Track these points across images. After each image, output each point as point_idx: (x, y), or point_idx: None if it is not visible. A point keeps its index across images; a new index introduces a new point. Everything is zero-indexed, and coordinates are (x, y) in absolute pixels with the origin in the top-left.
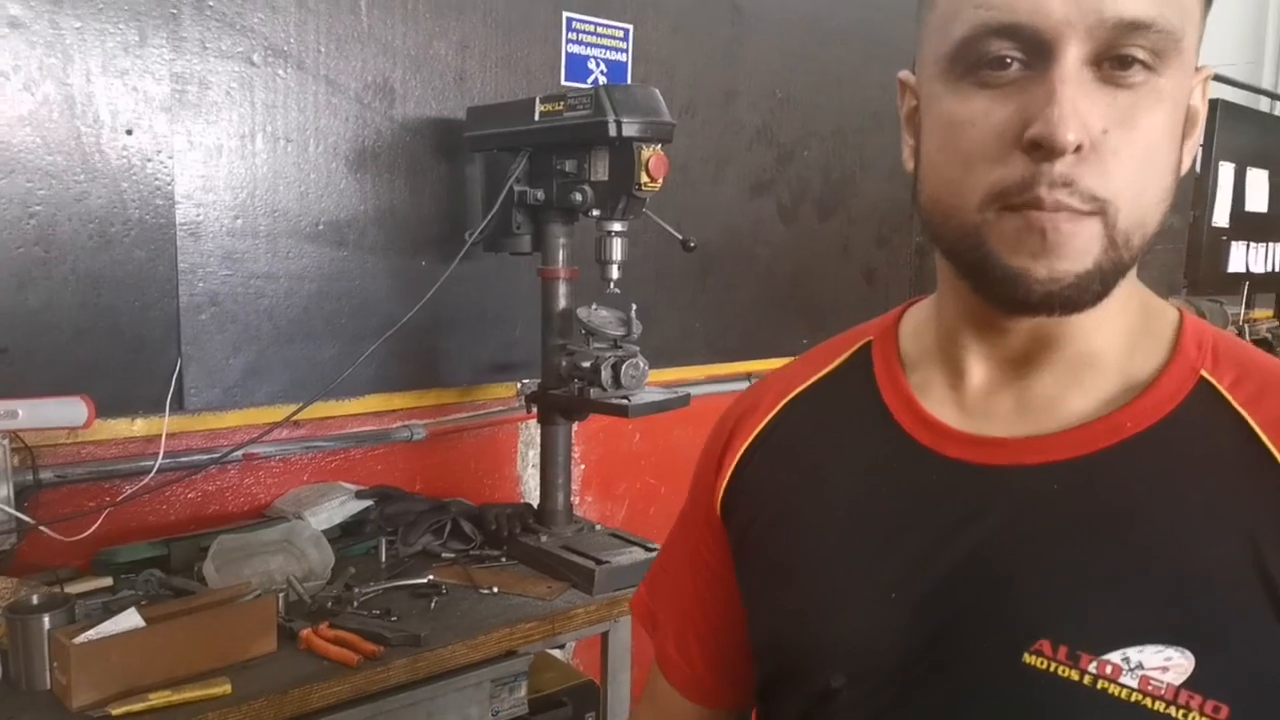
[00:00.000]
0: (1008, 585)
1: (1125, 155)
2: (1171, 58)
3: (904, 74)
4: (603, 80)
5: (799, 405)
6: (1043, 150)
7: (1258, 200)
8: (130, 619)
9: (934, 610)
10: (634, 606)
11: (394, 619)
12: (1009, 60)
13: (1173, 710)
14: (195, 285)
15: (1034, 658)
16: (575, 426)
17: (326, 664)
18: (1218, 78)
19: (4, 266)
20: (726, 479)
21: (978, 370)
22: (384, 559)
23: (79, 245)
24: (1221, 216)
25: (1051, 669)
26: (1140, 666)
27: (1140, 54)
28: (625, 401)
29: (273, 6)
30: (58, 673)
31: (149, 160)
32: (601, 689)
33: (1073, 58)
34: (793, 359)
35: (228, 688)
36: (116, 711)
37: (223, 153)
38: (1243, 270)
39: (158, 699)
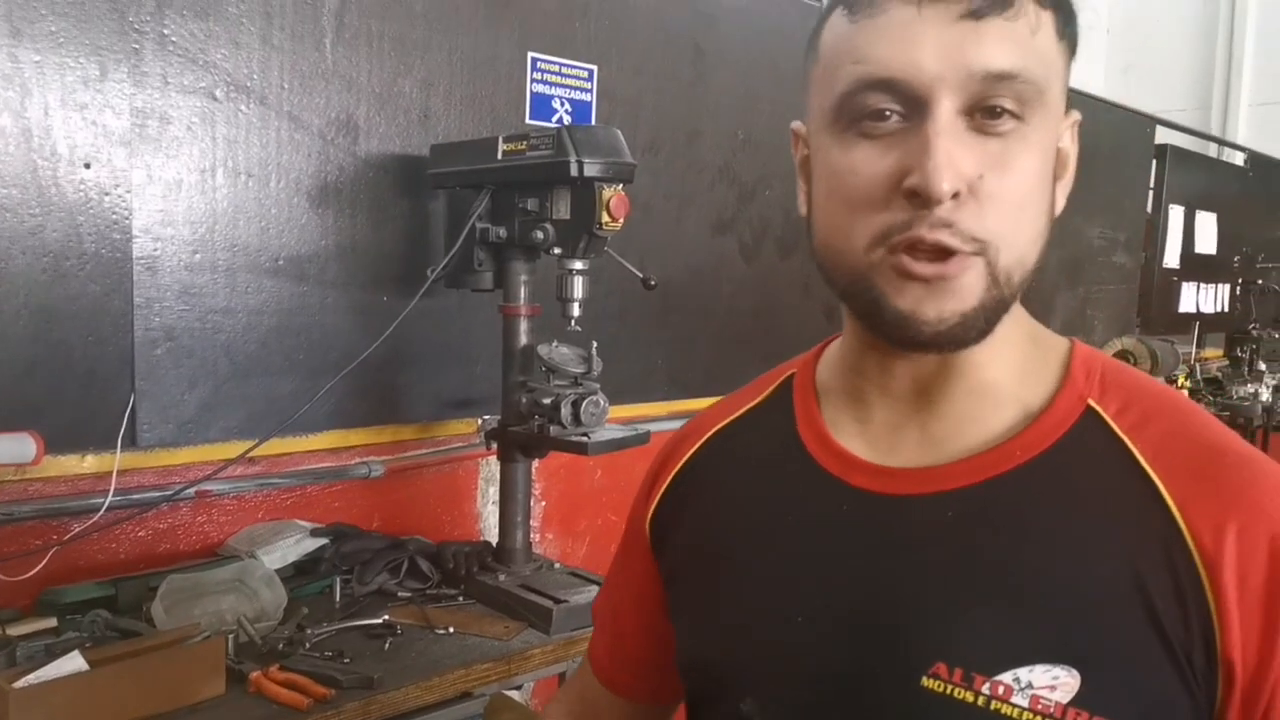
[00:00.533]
0: (906, 611)
1: (1000, 198)
2: (1037, 106)
3: (796, 124)
4: (567, 119)
5: (724, 437)
6: (920, 199)
7: (1206, 242)
8: (73, 662)
9: (838, 636)
10: (595, 607)
11: (347, 660)
12: (888, 113)
13: None
14: (151, 320)
15: (931, 680)
16: (536, 463)
17: (276, 707)
18: (1167, 123)
19: None
20: (654, 505)
21: (881, 403)
22: (339, 598)
23: (33, 279)
24: (1172, 258)
25: (948, 691)
26: (1030, 686)
27: (1008, 104)
28: (585, 439)
29: (236, 43)
30: None
31: (107, 194)
32: None
33: (946, 110)
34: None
35: None
36: None
37: (182, 187)
38: (1193, 310)
39: None
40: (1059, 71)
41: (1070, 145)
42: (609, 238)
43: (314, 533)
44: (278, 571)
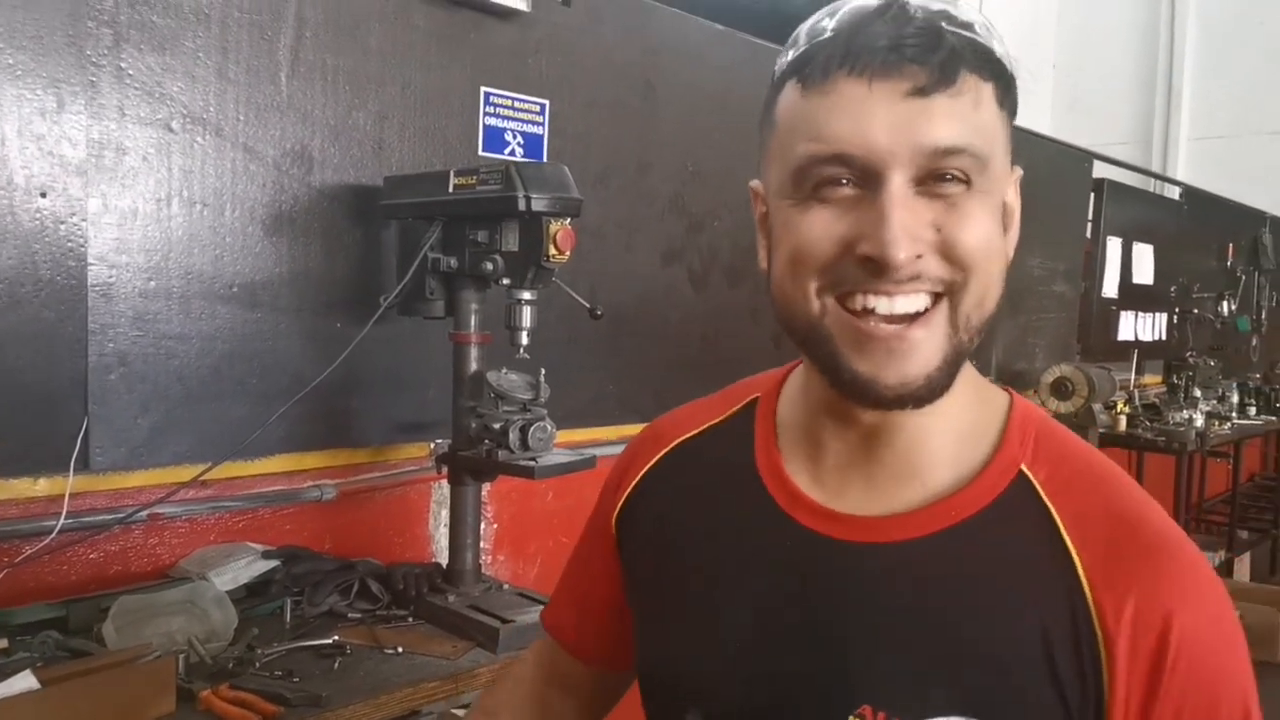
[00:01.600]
0: (837, 652)
1: (958, 245)
2: (981, 175)
3: (754, 183)
4: (519, 152)
5: (688, 448)
6: (875, 265)
7: (1144, 273)
8: (25, 680)
9: (774, 667)
10: (543, 616)
11: (296, 680)
12: (843, 180)
13: None
14: (105, 345)
15: None
16: (486, 486)
17: None
18: (1106, 158)
19: None
20: (622, 501)
21: (834, 446)
22: (289, 619)
23: None
24: (1111, 288)
25: None
26: None
27: (955, 173)
28: (532, 463)
29: (192, 76)
30: None
31: (62, 222)
32: None
33: (898, 182)
34: (702, 397)
35: None
36: None
37: (138, 216)
38: (1132, 338)
39: None
40: (1002, 139)
41: (1014, 199)
42: (556, 269)
43: (265, 555)
44: (229, 593)
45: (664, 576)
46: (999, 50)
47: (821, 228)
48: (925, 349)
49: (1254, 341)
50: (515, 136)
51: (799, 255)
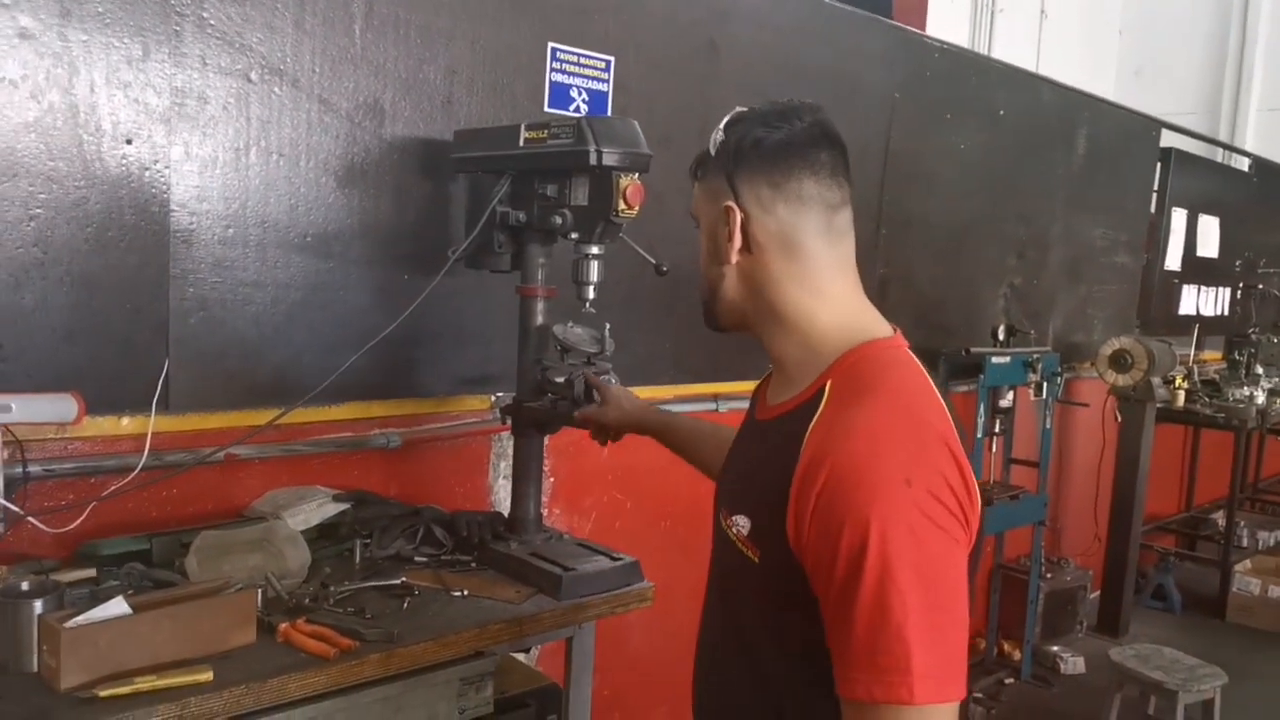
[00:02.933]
0: (729, 479)
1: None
2: (700, 220)
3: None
4: (584, 108)
5: None
6: None
7: (1209, 245)
8: (118, 606)
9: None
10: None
11: (368, 616)
12: None
13: (744, 548)
14: (186, 290)
15: (722, 516)
16: (547, 440)
17: (303, 657)
18: (1173, 126)
19: (2, 266)
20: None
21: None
22: (358, 560)
23: (75, 248)
24: (1174, 260)
25: (723, 522)
26: (738, 524)
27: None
28: None
29: (271, 27)
30: (46, 656)
31: (146, 169)
32: (564, 693)
33: None
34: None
35: (209, 675)
36: (103, 694)
37: (218, 165)
38: (1193, 313)
39: (143, 683)
40: (702, 200)
41: (722, 224)
42: (624, 224)
43: (335, 498)
44: (301, 533)
45: None
46: (703, 151)
47: None
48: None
49: None
50: (580, 93)
51: None
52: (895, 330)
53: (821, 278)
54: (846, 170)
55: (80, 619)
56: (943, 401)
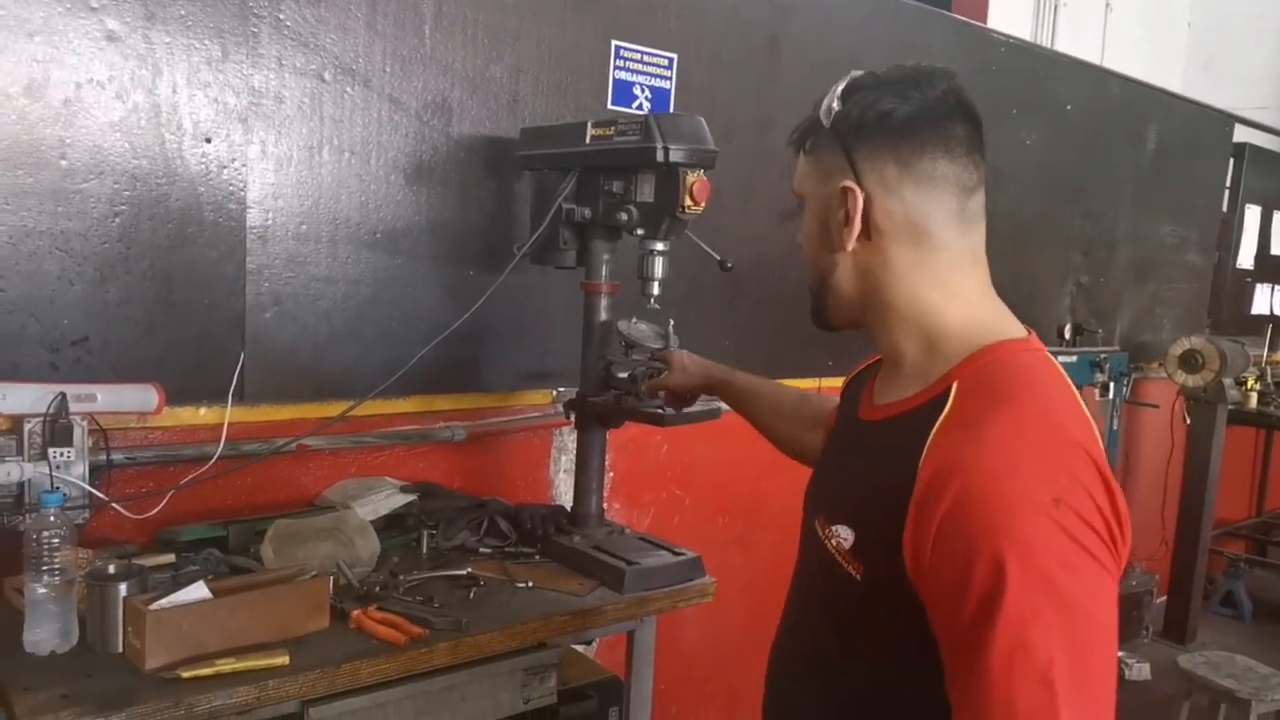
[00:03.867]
0: (823, 485)
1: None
2: (805, 201)
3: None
4: (647, 105)
5: None
6: None
7: None
8: (199, 590)
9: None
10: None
11: (437, 605)
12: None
13: (845, 562)
14: (261, 286)
15: (818, 525)
16: (608, 434)
17: (375, 643)
18: (1247, 121)
19: (89, 260)
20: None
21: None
22: (425, 551)
23: (157, 244)
24: (1246, 258)
25: (819, 532)
26: (838, 535)
27: (796, 200)
28: (661, 411)
29: (344, 28)
30: (131, 636)
31: (225, 167)
32: (625, 686)
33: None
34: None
35: (285, 659)
36: (186, 675)
37: (292, 163)
38: (1266, 312)
39: (224, 665)
40: (812, 177)
41: (839, 205)
42: (690, 221)
43: (403, 489)
44: (370, 523)
45: None
46: (815, 120)
47: None
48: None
49: None
50: (643, 90)
51: None
52: (1030, 331)
53: (951, 270)
54: (982, 147)
55: (164, 602)
56: (1088, 413)
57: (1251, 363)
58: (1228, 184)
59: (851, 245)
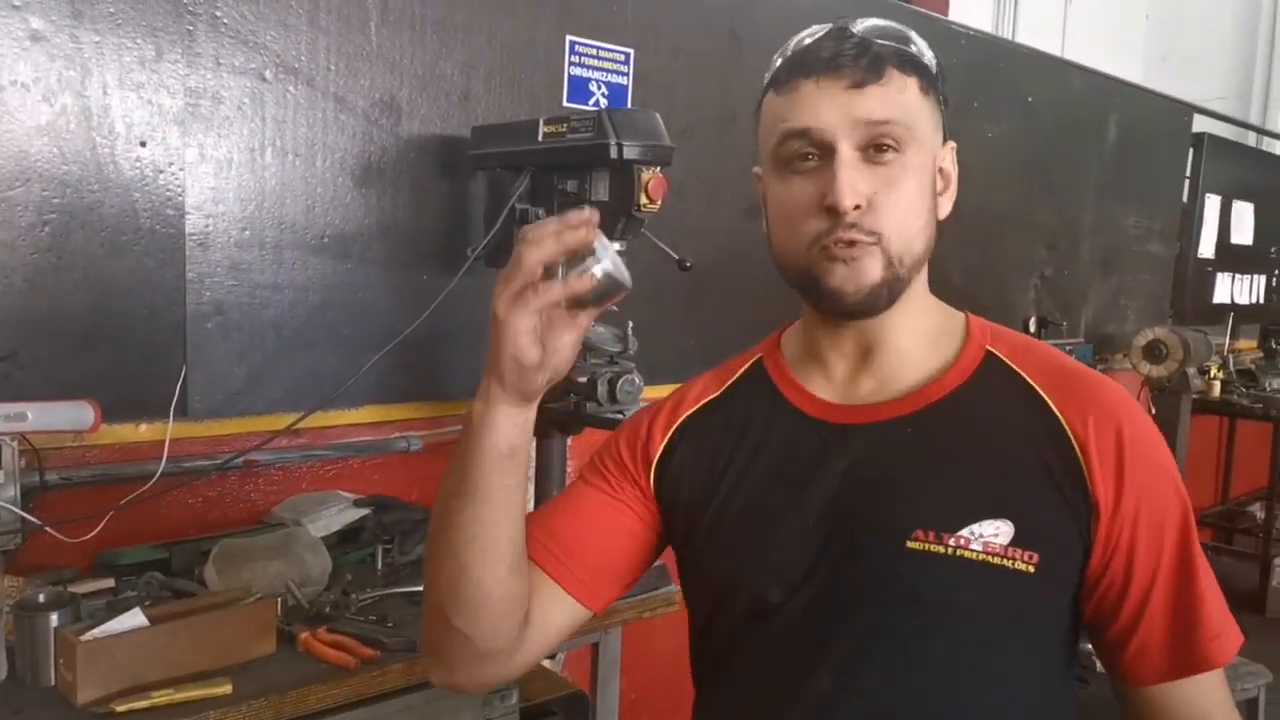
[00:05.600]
0: (886, 500)
1: (889, 206)
2: (910, 142)
3: (755, 170)
4: (604, 102)
5: (714, 405)
6: (834, 212)
7: (1243, 233)
8: (135, 618)
9: (838, 527)
10: (551, 508)
11: (390, 625)
12: (809, 155)
13: (1005, 561)
14: (202, 294)
15: (914, 542)
16: (570, 441)
17: (325, 667)
18: (1205, 111)
19: (17, 272)
20: (659, 453)
21: (838, 363)
22: (380, 566)
23: (90, 253)
24: (1207, 248)
25: (926, 548)
26: (981, 535)
27: (889, 140)
28: (620, 416)
29: (285, 25)
30: (63, 669)
31: (161, 171)
32: (591, 700)
33: (845, 149)
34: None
35: (228, 688)
36: (120, 708)
37: (233, 166)
38: (1228, 301)
39: (160, 697)
40: (927, 115)
41: (951, 166)
42: (646, 219)
43: (356, 503)
44: (322, 539)
45: (722, 499)
46: (920, 55)
47: (799, 191)
48: (868, 269)
49: None
50: (600, 87)
51: (787, 215)
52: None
53: None
54: None
55: (97, 631)
56: None
57: (1214, 351)
58: (1187, 174)
59: (946, 211)
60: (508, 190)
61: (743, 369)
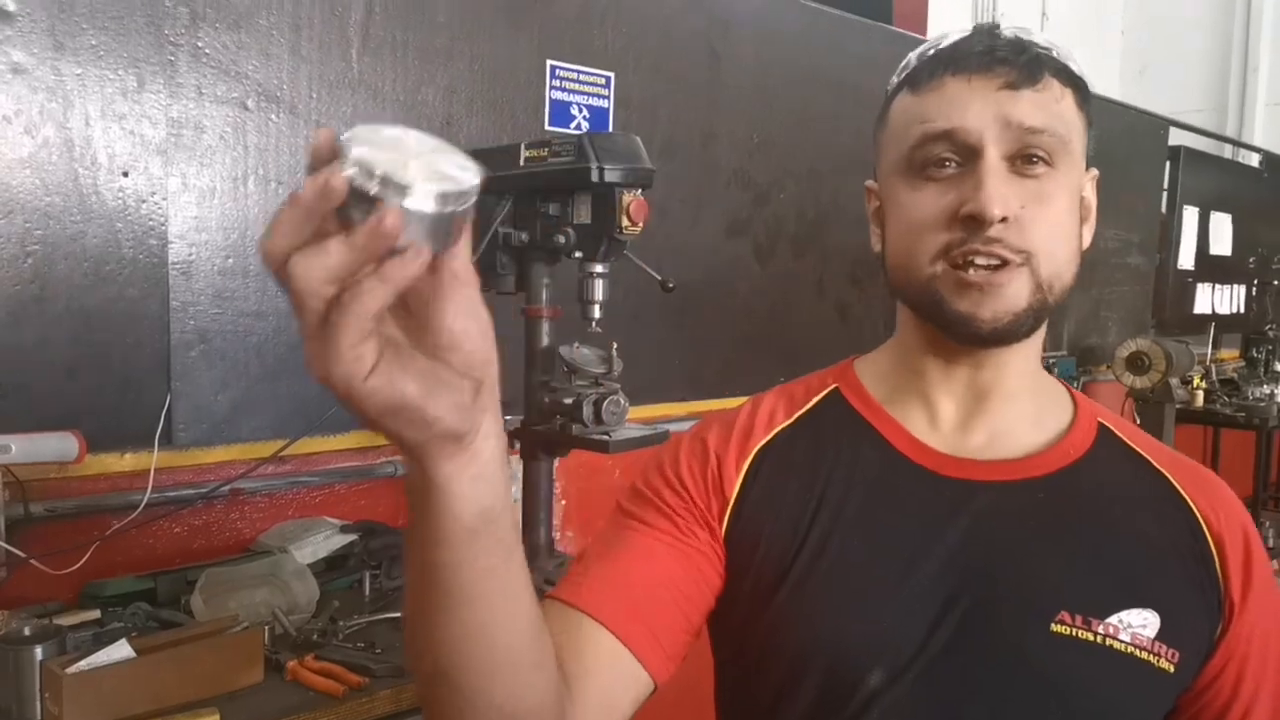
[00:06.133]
0: (1023, 573)
1: (1039, 222)
2: (1063, 156)
3: (869, 183)
4: (585, 125)
5: (787, 437)
6: (976, 221)
7: (1221, 243)
8: (121, 650)
9: (959, 603)
10: (607, 571)
11: (378, 651)
12: (947, 161)
13: (1151, 657)
14: (186, 323)
15: (1059, 626)
16: (556, 462)
17: (312, 695)
18: (1182, 124)
19: (0, 305)
20: (731, 503)
21: (947, 403)
22: (368, 592)
23: (74, 283)
24: (1187, 259)
25: (1073, 633)
26: (1130, 625)
27: (1041, 152)
28: (606, 437)
29: (267, 54)
30: (49, 703)
31: (144, 201)
32: None
33: (993, 155)
34: (734, 407)
35: (216, 717)
36: None
37: (216, 194)
38: (1208, 311)
39: None
40: (1079, 133)
41: (1091, 196)
42: (629, 241)
43: (343, 529)
44: (309, 566)
45: (801, 559)
46: (1075, 67)
47: (932, 200)
48: (1011, 292)
49: None
50: (581, 110)
51: (914, 224)
52: None
53: None
54: None
55: (83, 664)
56: None
57: (1196, 361)
58: (1165, 186)
59: (1088, 241)
60: (490, 215)
61: (816, 398)
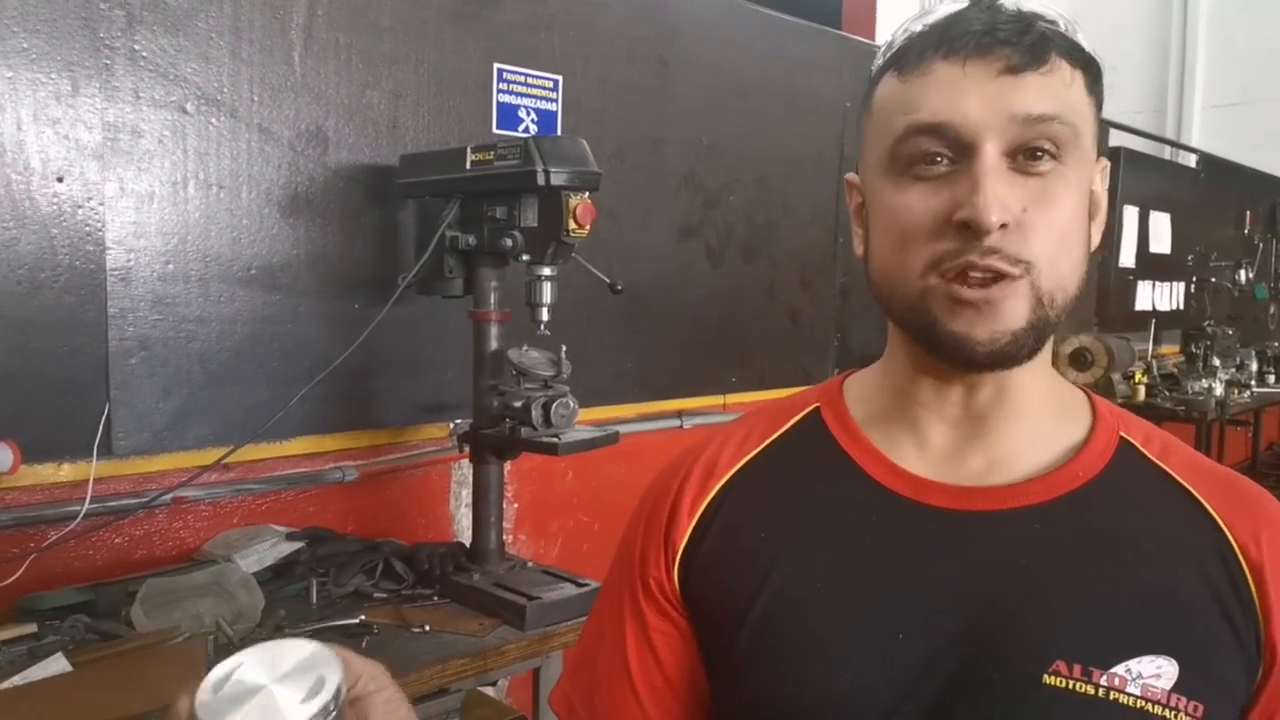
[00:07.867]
0: (1015, 617)
1: (1042, 228)
2: (1072, 149)
3: (850, 176)
4: (533, 129)
5: (753, 470)
6: (971, 230)
7: (1161, 242)
8: (57, 664)
9: (947, 649)
10: (552, 700)
11: None
12: (938, 157)
13: (1166, 712)
14: (125, 330)
15: (1053, 677)
16: (508, 465)
17: None
18: (1122, 126)
19: None
20: (680, 553)
21: (938, 428)
22: (315, 600)
23: (7, 291)
24: (1128, 257)
25: (1070, 686)
26: (1140, 676)
27: (1046, 145)
28: (555, 440)
29: (206, 57)
30: None
31: (80, 207)
32: None
33: (991, 152)
34: (722, 424)
35: None
36: None
37: (155, 199)
38: (1149, 309)
39: None
40: (1090, 121)
41: (1101, 188)
42: (576, 244)
43: (290, 536)
44: (255, 575)
45: (781, 608)
46: (1086, 45)
47: (920, 202)
48: (1010, 310)
49: (1272, 309)
50: (529, 114)
51: (900, 232)
52: None
53: None
54: None
55: (16, 679)
56: None
57: (1138, 357)
58: (1107, 187)
59: (1097, 240)
60: (437, 218)
61: (792, 420)
